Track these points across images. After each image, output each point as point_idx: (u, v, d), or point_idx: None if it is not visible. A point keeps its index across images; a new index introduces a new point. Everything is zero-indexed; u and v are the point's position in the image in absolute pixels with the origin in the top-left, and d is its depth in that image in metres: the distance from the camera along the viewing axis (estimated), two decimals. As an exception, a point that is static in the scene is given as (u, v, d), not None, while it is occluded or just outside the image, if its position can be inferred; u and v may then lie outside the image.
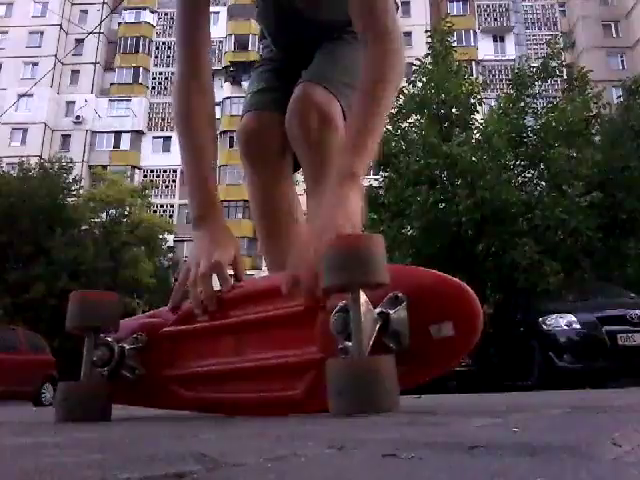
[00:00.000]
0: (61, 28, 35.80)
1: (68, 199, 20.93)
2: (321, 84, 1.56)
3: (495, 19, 36.89)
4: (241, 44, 35.32)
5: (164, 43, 36.81)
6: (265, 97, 1.69)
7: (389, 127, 12.85)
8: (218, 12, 35.95)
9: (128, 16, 37.25)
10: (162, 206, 33.08)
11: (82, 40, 31.44)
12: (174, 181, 34.67)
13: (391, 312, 0.98)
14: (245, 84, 33.69)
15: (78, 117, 34.64)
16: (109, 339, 1.26)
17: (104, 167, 30.96)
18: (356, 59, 1.57)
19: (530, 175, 13.02)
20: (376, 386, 0.91)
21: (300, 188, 1.86)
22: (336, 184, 1.20)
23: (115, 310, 1.28)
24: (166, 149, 35.08)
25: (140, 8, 36.91)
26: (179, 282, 1.34)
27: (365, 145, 1.24)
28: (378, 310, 0.98)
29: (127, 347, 1.27)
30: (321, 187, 1.50)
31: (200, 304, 1.26)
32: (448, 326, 0.97)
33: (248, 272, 31.81)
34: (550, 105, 13.30)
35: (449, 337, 0.97)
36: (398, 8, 1.63)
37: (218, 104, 35.34)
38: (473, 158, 11.36)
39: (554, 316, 7.25)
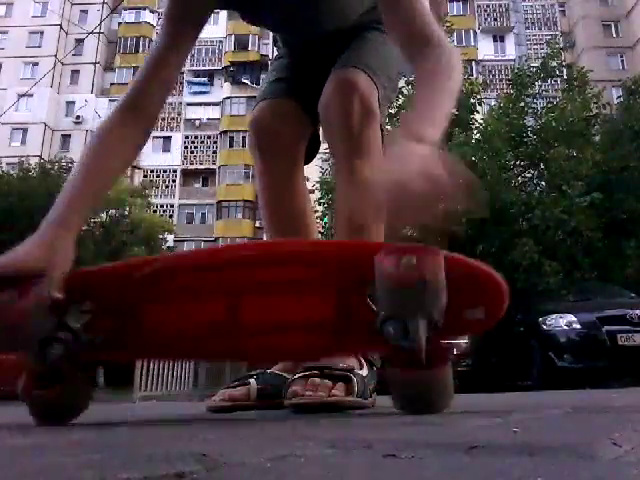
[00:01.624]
0: (61, 28, 35.80)
1: (68, 199, 20.90)
2: (364, 70, 1.48)
3: (495, 19, 36.89)
4: (241, 44, 35.33)
5: (164, 43, 36.80)
6: (279, 85, 1.62)
7: (388, 127, 12.85)
8: (218, 12, 35.87)
9: (128, 16, 37.26)
10: (162, 206, 33.08)
11: (82, 40, 31.43)
12: (174, 181, 34.69)
13: (439, 323, 1.00)
14: (246, 81, 33.74)
15: (78, 117, 34.65)
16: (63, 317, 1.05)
17: (104, 167, 30.97)
18: (391, 50, 1.52)
19: (530, 175, 13.02)
20: (440, 396, 1.04)
21: (308, 184, 1.83)
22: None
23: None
24: (166, 149, 35.08)
25: (140, 8, 36.92)
26: None
27: (434, 117, 1.10)
28: None
29: (76, 325, 1.06)
30: (355, 177, 1.45)
31: None
32: (481, 310, 1.04)
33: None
34: (550, 105, 13.30)
35: (478, 319, 1.04)
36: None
37: (218, 104, 35.44)
38: (473, 158, 11.36)
39: (554, 316, 7.25)
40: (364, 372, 1.35)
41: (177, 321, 1.12)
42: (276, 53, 1.79)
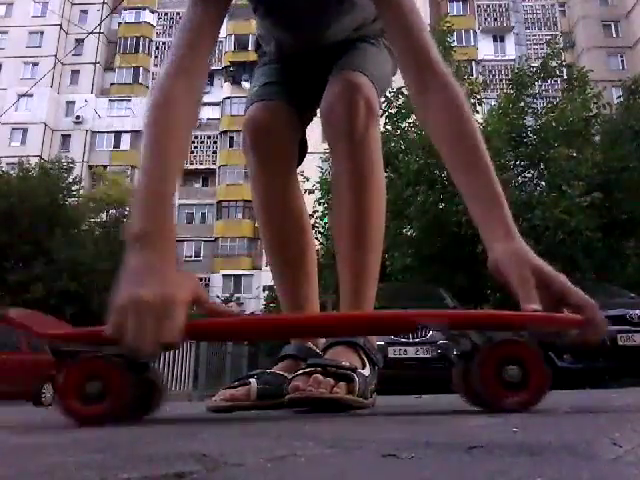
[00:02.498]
0: (61, 28, 35.81)
1: (68, 199, 20.95)
2: (365, 74, 1.50)
3: (495, 19, 36.90)
4: (241, 44, 35.34)
5: (164, 43, 36.80)
6: (272, 89, 1.62)
7: (388, 127, 12.86)
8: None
9: (128, 16, 37.27)
10: (162, 206, 33.06)
11: (82, 40, 31.43)
12: (174, 181, 34.68)
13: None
14: (245, 84, 33.74)
15: (78, 117, 34.66)
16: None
17: (104, 167, 31.02)
18: (384, 61, 1.59)
19: (530, 175, 13.03)
20: None
21: (308, 184, 1.84)
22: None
23: None
24: (166, 149, 35.08)
25: (140, 8, 36.93)
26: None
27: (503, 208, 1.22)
28: None
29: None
30: (361, 181, 1.48)
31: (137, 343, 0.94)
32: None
33: (248, 272, 31.92)
34: (550, 105, 13.31)
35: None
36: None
37: (218, 104, 35.44)
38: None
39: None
40: (366, 372, 1.36)
41: None
42: (260, 58, 1.79)
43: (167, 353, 8.36)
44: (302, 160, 1.70)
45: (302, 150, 1.69)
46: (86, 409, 1.01)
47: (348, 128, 1.47)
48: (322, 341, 1.62)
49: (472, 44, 34.39)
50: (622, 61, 33.83)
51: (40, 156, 28.45)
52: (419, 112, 1.35)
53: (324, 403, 1.21)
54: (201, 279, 32.37)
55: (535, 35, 35.33)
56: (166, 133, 1.18)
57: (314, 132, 1.76)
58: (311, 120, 1.74)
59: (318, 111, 1.64)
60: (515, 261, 1.11)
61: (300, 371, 1.29)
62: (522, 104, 12.82)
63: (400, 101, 12.83)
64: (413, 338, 6.82)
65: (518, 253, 1.13)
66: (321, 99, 1.77)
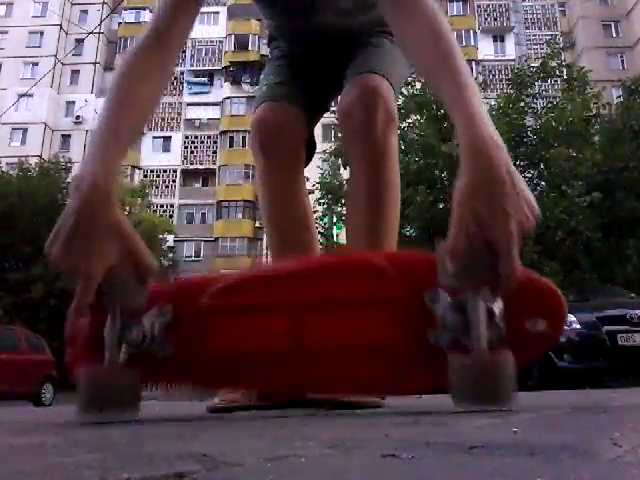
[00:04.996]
0: (61, 28, 35.81)
1: (68, 199, 20.91)
2: (384, 76, 1.50)
3: (495, 19, 36.90)
4: (241, 44, 35.33)
5: (164, 43, 36.78)
6: (282, 90, 1.63)
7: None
8: (218, 12, 35.97)
9: (128, 16, 37.25)
10: (162, 206, 33.10)
11: (82, 40, 31.43)
12: (174, 181, 34.70)
13: (495, 308, 0.97)
14: (245, 84, 33.75)
15: (78, 117, 34.66)
16: (140, 316, 1.07)
17: (104, 167, 30.95)
18: (398, 56, 1.55)
19: (530, 175, 13.04)
20: (501, 382, 0.95)
21: (307, 184, 1.84)
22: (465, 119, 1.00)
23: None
24: (166, 149, 35.09)
25: (140, 8, 36.90)
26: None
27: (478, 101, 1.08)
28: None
29: (157, 323, 1.09)
30: (378, 184, 1.48)
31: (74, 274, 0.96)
32: (542, 323, 1.03)
33: (248, 272, 31.84)
34: (550, 105, 13.32)
35: (541, 332, 1.03)
36: None
37: (218, 104, 35.44)
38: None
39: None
40: None
41: (239, 342, 1.12)
42: (271, 55, 1.79)
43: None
44: (311, 159, 1.71)
45: (311, 149, 1.69)
46: None
47: (367, 132, 1.47)
48: None
49: (472, 44, 34.38)
50: (622, 61, 33.82)
51: (40, 156, 28.44)
52: (393, 27, 1.25)
53: (342, 404, 1.26)
54: (201, 279, 32.37)
55: (535, 35, 35.33)
56: (125, 99, 1.17)
57: (315, 132, 1.77)
58: (319, 119, 1.75)
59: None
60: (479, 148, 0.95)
61: None
62: (522, 104, 12.83)
63: (400, 101, 12.82)
64: None
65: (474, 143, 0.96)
66: (330, 99, 1.76)
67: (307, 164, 1.70)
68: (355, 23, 1.58)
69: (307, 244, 1.67)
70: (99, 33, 34.31)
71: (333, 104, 1.85)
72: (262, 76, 1.74)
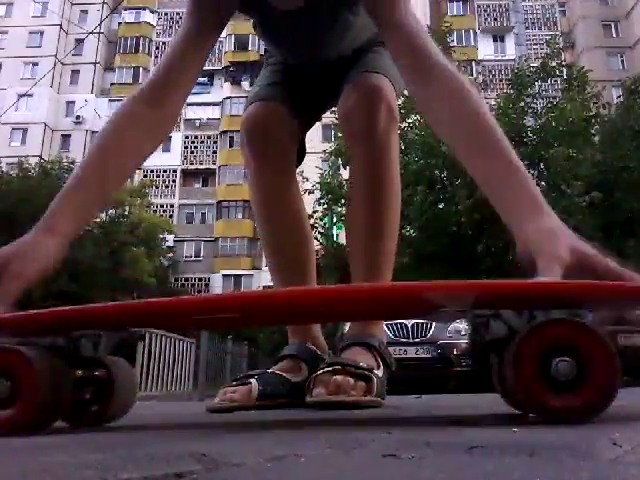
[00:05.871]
0: (61, 28, 35.80)
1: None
2: (385, 75, 1.47)
3: (495, 19, 36.89)
4: (241, 44, 35.31)
5: (164, 43, 36.77)
6: (274, 91, 1.61)
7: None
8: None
9: (128, 16, 37.25)
10: (162, 206, 33.10)
11: (82, 40, 31.41)
12: (174, 181, 34.70)
13: None
14: (245, 84, 33.74)
15: (78, 117, 34.65)
16: None
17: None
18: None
19: (529, 175, 13.04)
20: None
21: (307, 185, 1.83)
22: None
23: None
24: (166, 149, 35.07)
25: (140, 8, 36.90)
26: None
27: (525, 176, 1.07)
28: None
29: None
30: (379, 184, 1.47)
31: None
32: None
33: (248, 272, 31.89)
34: (550, 105, 13.31)
35: None
36: None
37: (218, 104, 35.43)
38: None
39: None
40: (380, 372, 1.40)
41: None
42: (266, 62, 1.76)
43: (167, 353, 8.35)
44: (301, 161, 1.68)
45: (300, 155, 1.67)
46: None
47: (368, 133, 1.45)
48: (322, 341, 1.63)
49: (472, 44, 34.38)
50: (622, 61, 33.81)
51: (40, 156, 28.43)
52: (422, 108, 1.24)
53: (345, 406, 1.26)
54: (201, 279, 32.40)
55: (535, 35, 35.31)
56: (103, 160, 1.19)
57: (314, 132, 1.76)
58: (312, 125, 1.72)
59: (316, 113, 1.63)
60: (549, 239, 0.92)
61: (320, 370, 1.33)
62: (522, 104, 12.82)
63: (400, 101, 12.84)
64: (413, 338, 6.82)
65: (553, 231, 0.94)
66: (324, 107, 1.75)
67: (298, 166, 1.68)
68: (355, 45, 1.57)
69: (300, 246, 1.65)
70: (99, 33, 34.30)
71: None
72: (256, 80, 1.73)
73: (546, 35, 30.04)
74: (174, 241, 30.59)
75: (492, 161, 1.04)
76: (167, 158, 34.69)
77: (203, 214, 34.50)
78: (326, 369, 1.32)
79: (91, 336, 0.93)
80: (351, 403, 1.26)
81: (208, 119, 35.38)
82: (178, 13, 35.54)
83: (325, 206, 13.64)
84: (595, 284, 0.85)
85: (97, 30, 31.46)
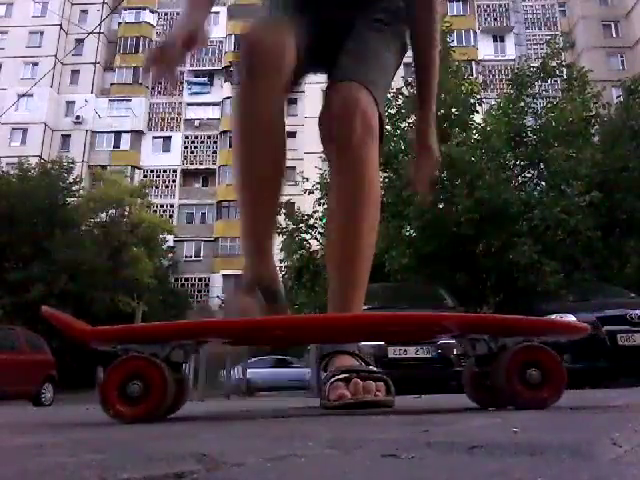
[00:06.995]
0: (61, 28, 35.80)
1: (68, 199, 20.94)
2: (367, 87, 1.49)
3: (495, 19, 36.89)
4: (241, 44, 35.31)
5: (164, 43, 36.74)
6: (280, 17, 1.59)
7: (388, 127, 12.85)
8: (218, 12, 35.97)
9: (128, 16, 37.24)
10: (162, 206, 33.09)
11: (82, 40, 31.43)
12: (174, 181, 34.69)
13: None
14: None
15: (78, 117, 34.64)
16: None
17: (104, 167, 31.00)
18: (389, 58, 1.60)
19: (529, 175, 13.03)
20: None
21: (298, 189, 1.83)
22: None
23: None
24: (166, 149, 35.08)
25: (140, 8, 36.90)
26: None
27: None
28: None
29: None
30: (353, 197, 1.49)
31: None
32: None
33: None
34: (550, 105, 13.30)
35: None
36: None
37: (218, 104, 35.44)
38: (472, 158, 11.36)
39: (554, 316, 7.24)
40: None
41: None
42: None
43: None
44: (382, 137, 1.59)
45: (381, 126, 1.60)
46: (128, 409, 1.05)
47: (342, 147, 1.48)
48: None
49: (472, 44, 34.38)
50: (622, 61, 33.81)
51: (40, 156, 28.45)
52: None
53: (367, 405, 1.32)
54: (201, 279, 32.40)
55: (535, 35, 35.32)
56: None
57: (314, 132, 1.75)
58: (307, 71, 1.69)
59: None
60: None
61: (335, 377, 1.38)
62: (522, 104, 12.81)
63: (400, 101, 12.83)
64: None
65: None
66: (316, 59, 1.67)
67: (380, 141, 1.61)
68: None
69: (277, 166, 1.62)
70: (99, 33, 34.30)
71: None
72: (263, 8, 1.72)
73: (546, 35, 30.03)
74: (174, 241, 30.59)
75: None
76: (167, 158, 34.69)
77: (203, 214, 34.50)
78: (340, 377, 1.36)
79: (183, 346, 1.17)
80: (374, 402, 1.31)
81: (208, 119, 35.37)
82: (178, 13, 35.51)
83: (325, 206, 13.64)
84: (529, 320, 1.36)
85: (97, 30, 31.46)
